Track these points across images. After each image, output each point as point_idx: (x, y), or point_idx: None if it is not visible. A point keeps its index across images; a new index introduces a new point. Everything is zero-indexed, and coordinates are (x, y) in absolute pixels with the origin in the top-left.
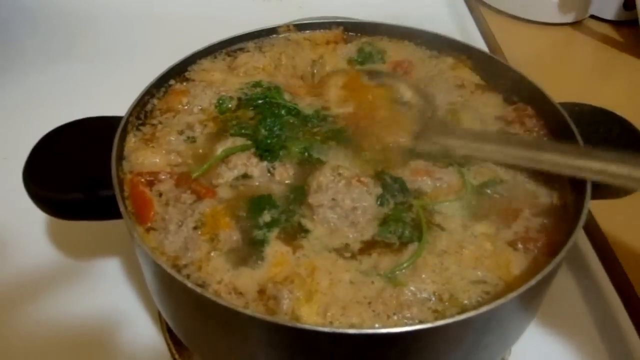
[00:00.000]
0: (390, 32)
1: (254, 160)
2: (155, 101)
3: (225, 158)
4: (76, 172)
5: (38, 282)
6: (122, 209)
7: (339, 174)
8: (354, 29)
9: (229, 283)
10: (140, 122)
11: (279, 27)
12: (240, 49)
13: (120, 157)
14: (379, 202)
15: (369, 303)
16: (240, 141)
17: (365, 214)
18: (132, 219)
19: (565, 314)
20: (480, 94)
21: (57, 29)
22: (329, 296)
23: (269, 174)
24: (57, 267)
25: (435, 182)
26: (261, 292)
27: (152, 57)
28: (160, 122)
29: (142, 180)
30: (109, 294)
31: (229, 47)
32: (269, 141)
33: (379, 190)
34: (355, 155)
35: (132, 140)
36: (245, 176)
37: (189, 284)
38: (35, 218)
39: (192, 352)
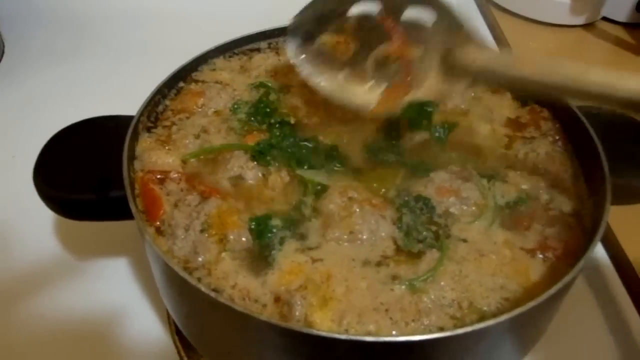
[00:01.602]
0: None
1: (250, 163)
2: (167, 102)
3: (220, 151)
4: (86, 171)
5: (45, 281)
6: (133, 210)
7: (350, 198)
8: None
9: (243, 289)
10: (152, 123)
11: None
12: (257, 49)
13: (132, 157)
14: (398, 226)
15: (387, 310)
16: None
17: (383, 238)
18: (144, 220)
19: (578, 322)
20: (490, 94)
21: (66, 27)
22: (344, 303)
23: (262, 178)
24: (65, 267)
25: (462, 204)
26: (276, 299)
27: (162, 56)
28: (174, 123)
29: (153, 178)
30: (117, 295)
31: (240, 46)
32: (261, 145)
33: (393, 212)
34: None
35: (147, 141)
36: (240, 178)
37: (203, 289)
38: (43, 217)
39: (201, 355)
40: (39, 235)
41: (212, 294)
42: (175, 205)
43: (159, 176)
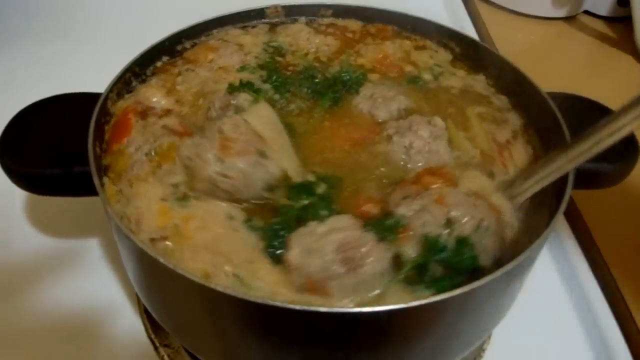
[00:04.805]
0: (378, 17)
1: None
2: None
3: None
4: (53, 147)
5: (19, 262)
6: (97, 184)
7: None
8: (343, 13)
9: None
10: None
11: (267, 8)
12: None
13: (100, 133)
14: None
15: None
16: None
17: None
18: (106, 195)
19: (545, 303)
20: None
21: (42, 7)
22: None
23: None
24: (37, 248)
25: None
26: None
27: (138, 37)
28: (180, 74)
29: (137, 108)
30: (88, 275)
31: (213, 28)
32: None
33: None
34: None
35: (152, 84)
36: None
37: (148, 250)
38: (15, 199)
39: (168, 332)
40: (10, 218)
41: (152, 254)
42: (141, 132)
43: (141, 109)
